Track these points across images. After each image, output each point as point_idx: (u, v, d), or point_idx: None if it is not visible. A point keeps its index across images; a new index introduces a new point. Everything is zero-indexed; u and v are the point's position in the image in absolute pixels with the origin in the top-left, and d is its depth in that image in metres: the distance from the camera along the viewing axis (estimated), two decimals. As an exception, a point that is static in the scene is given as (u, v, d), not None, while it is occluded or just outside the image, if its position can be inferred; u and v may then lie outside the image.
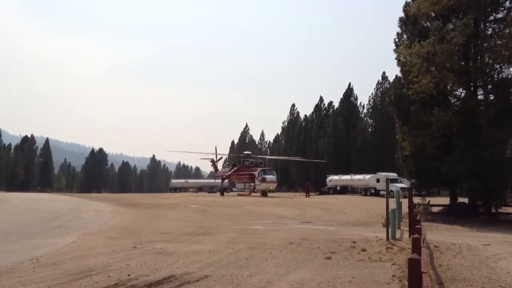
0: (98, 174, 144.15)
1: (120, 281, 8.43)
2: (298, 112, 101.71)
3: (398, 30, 28.68)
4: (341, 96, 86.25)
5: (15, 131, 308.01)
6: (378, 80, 79.84)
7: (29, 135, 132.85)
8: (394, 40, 28.91)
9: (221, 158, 75.13)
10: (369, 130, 79.48)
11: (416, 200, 24.09)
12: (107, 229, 18.01)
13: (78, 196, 52.82)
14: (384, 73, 79.83)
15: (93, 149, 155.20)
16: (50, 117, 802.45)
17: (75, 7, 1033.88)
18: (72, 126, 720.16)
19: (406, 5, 27.65)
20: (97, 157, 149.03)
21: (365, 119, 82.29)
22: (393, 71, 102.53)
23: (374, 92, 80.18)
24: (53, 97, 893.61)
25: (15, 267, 9.65)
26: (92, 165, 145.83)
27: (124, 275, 8.93)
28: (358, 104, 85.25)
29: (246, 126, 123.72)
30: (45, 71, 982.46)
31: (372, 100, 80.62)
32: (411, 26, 27.23)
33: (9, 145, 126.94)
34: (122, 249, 12.20)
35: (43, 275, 8.87)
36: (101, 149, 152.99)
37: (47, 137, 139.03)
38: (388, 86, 74.30)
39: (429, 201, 25.18)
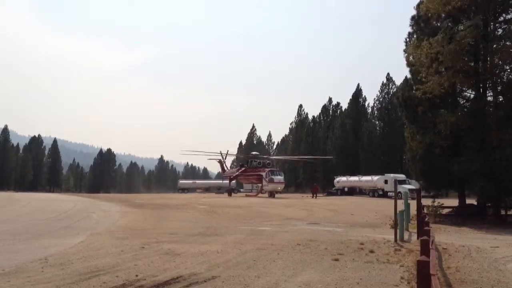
0: (106, 174, 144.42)
1: (128, 281, 8.46)
2: (306, 113, 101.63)
3: (409, 29, 28.63)
4: (349, 96, 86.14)
5: (24, 131, 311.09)
6: (383, 82, 79.62)
7: (37, 136, 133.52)
8: (405, 39, 28.89)
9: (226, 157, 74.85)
10: (377, 131, 79.10)
11: (426, 202, 23.96)
12: (115, 229, 18.06)
13: (87, 197, 53.07)
14: (388, 74, 79.51)
15: (101, 150, 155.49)
16: (58, 117, 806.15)
17: (86, 10, 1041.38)
18: (80, 127, 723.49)
19: (418, 4, 27.53)
20: (105, 158, 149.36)
21: (372, 120, 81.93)
22: (400, 73, 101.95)
23: (379, 94, 79.90)
24: (62, 97, 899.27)
25: (24, 267, 9.71)
26: (100, 166, 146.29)
27: (132, 275, 8.96)
28: (367, 105, 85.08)
29: (253, 127, 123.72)
30: (53, 71, 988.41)
31: (377, 101, 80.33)
32: (422, 25, 27.16)
33: (18, 145, 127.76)
34: (130, 250, 12.25)
35: (52, 275, 8.91)
36: (109, 150, 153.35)
37: (55, 137, 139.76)
38: (393, 87, 74.05)
39: (442, 204, 24.90)
